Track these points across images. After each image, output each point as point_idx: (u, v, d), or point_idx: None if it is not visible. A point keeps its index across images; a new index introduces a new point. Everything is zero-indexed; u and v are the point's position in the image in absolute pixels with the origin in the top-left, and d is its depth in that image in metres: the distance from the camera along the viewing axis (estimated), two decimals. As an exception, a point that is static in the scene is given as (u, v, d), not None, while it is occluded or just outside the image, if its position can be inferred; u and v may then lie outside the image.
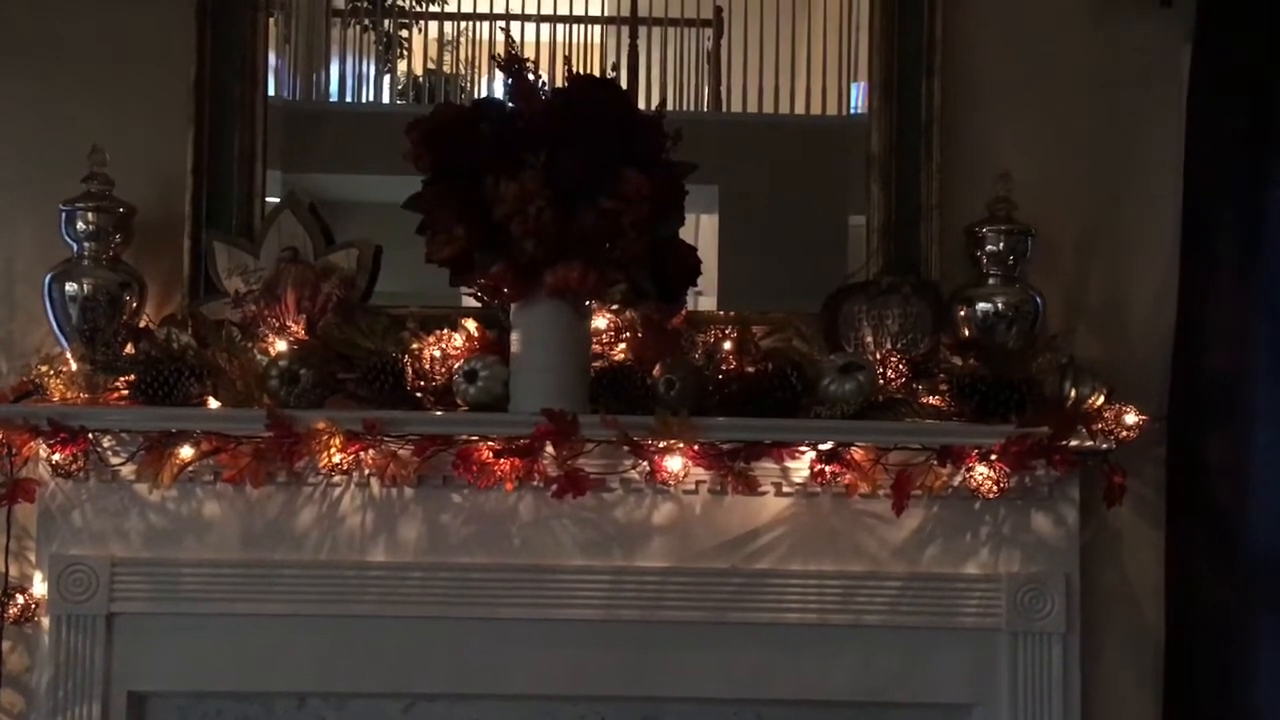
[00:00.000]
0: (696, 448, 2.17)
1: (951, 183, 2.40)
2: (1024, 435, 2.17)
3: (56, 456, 2.20)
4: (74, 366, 2.24)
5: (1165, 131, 2.43)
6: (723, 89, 2.64)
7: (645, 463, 2.18)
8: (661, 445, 2.15)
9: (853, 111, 2.55)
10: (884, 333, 2.30)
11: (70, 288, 2.28)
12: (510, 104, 2.14)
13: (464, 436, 2.17)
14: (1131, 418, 2.25)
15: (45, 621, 2.26)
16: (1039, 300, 2.34)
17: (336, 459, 2.15)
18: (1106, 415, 2.24)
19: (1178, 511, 2.35)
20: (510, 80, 2.13)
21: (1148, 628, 2.38)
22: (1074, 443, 2.20)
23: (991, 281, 2.33)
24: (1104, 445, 2.22)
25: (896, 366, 2.24)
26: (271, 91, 2.45)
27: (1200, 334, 2.35)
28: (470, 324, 2.26)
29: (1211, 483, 2.33)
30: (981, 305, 2.32)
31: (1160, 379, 2.37)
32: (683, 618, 2.27)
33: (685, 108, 2.60)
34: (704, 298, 2.43)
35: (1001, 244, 2.32)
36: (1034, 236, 2.34)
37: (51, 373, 2.23)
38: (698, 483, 2.27)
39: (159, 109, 2.40)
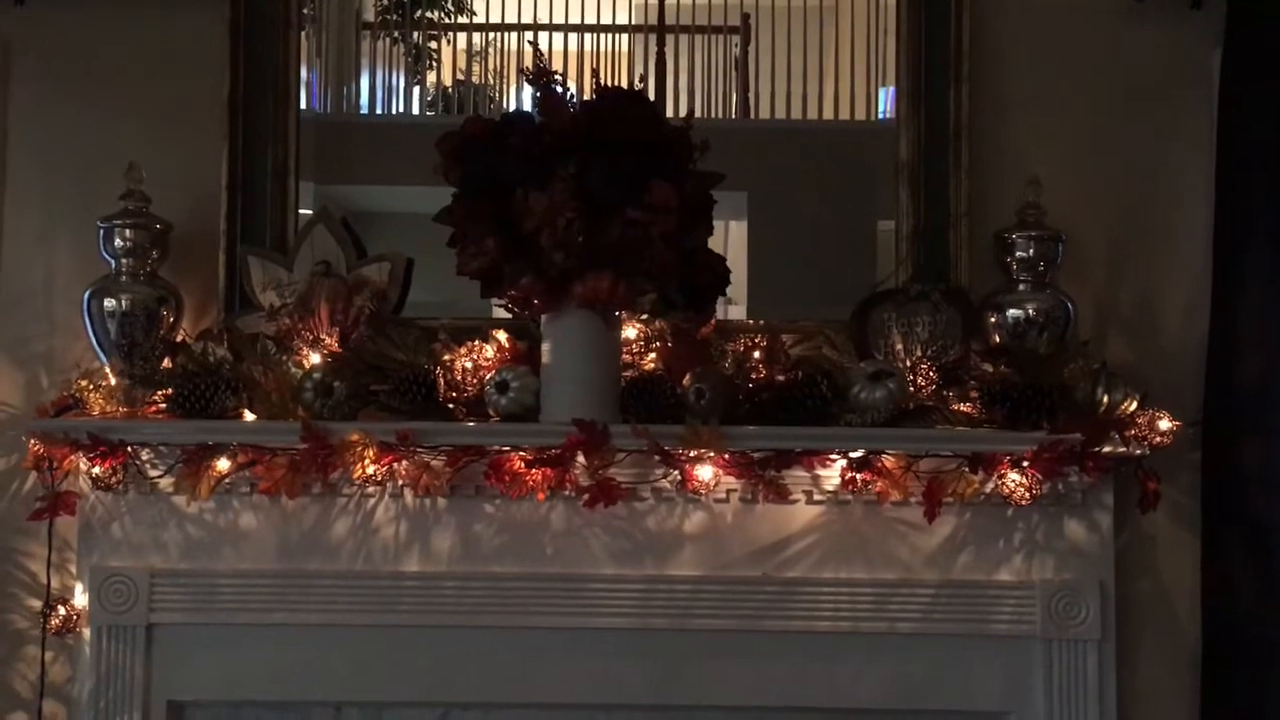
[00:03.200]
0: (727, 456, 2.17)
1: (981, 189, 2.40)
2: (1056, 442, 2.16)
3: (96, 469, 2.24)
4: (113, 381, 2.28)
5: (1196, 135, 2.41)
6: (751, 95, 2.64)
7: (676, 472, 2.19)
8: (692, 454, 2.16)
9: (881, 117, 2.55)
10: (914, 340, 2.29)
11: (109, 303, 2.32)
12: (539, 117, 2.15)
13: (496, 447, 2.19)
14: (1165, 423, 2.23)
15: (86, 632, 2.30)
16: (1070, 306, 2.32)
17: (370, 470, 2.17)
18: (1140, 421, 2.22)
19: (1213, 517, 2.33)
20: (538, 93, 2.15)
21: (1184, 635, 2.36)
22: (1107, 449, 2.19)
23: (1022, 288, 2.33)
24: (1138, 451, 2.20)
25: (927, 374, 2.24)
26: (303, 105, 2.48)
27: (1234, 338, 2.33)
28: (501, 335, 2.28)
29: (1247, 488, 2.31)
30: (1012, 311, 2.31)
31: (1194, 384, 2.36)
32: (715, 626, 2.28)
33: (713, 115, 2.61)
34: (734, 307, 2.44)
35: (1032, 250, 2.31)
36: (1064, 242, 2.33)
37: (91, 387, 2.27)
38: (729, 491, 2.27)
39: (193, 126, 2.43)
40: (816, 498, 2.28)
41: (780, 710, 2.32)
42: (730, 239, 2.50)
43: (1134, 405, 2.23)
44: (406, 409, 2.21)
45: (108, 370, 2.30)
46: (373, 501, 2.30)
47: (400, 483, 2.24)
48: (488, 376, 2.21)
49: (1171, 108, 2.44)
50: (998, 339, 2.31)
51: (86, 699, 2.29)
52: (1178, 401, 2.30)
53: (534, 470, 2.17)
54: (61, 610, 2.29)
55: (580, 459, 2.15)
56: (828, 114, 2.58)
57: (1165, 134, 2.44)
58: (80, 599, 2.31)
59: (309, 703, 2.33)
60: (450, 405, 2.23)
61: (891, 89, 2.49)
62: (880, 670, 2.28)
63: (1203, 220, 2.40)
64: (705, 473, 2.17)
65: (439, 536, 2.29)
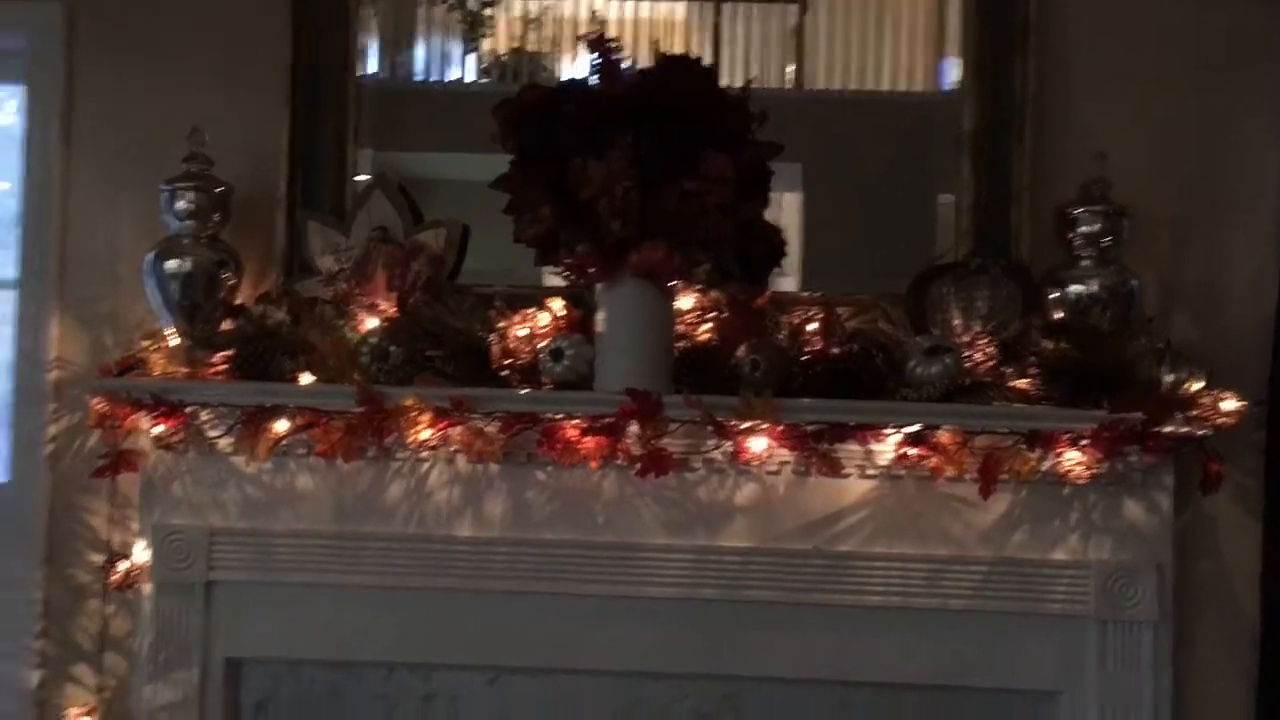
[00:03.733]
0: (780, 429, 2.16)
1: (1044, 162, 2.36)
2: (1117, 420, 2.12)
3: (158, 429, 2.28)
4: (174, 342, 2.31)
5: (1266, 110, 2.36)
6: (807, 65, 2.61)
7: (729, 443, 2.18)
8: (745, 426, 2.15)
9: (942, 88, 2.51)
10: (972, 315, 2.26)
11: (171, 265, 2.35)
12: (595, 84, 2.14)
13: (549, 415, 2.20)
14: (1230, 403, 2.19)
15: (147, 588, 2.34)
16: (1134, 283, 2.28)
17: (425, 435, 2.19)
18: (1204, 401, 2.18)
19: (1277, 499, 2.29)
20: (596, 61, 2.14)
21: (1243, 618, 2.33)
22: (1169, 429, 2.15)
23: (1085, 263, 2.28)
24: (1200, 431, 2.17)
25: (985, 349, 2.21)
26: (361, 72, 2.49)
27: (1303, 317, 2.28)
28: (556, 303, 2.28)
29: (1313, 470, 2.26)
30: (1074, 288, 2.27)
31: (1260, 363, 2.31)
32: (764, 598, 2.27)
33: (769, 85, 2.58)
34: (786, 279, 2.42)
35: (1096, 225, 2.27)
36: (1129, 218, 2.29)
37: (153, 348, 2.31)
38: (781, 464, 2.26)
39: (255, 91, 2.46)
40: (869, 472, 2.26)
41: (828, 683, 2.31)
42: (784, 211, 2.48)
43: (1198, 384, 2.19)
44: (461, 375, 2.22)
45: (169, 332, 2.34)
46: (426, 466, 2.32)
47: (454, 448, 2.25)
48: (542, 344, 2.22)
49: (1241, 81, 2.38)
50: (1059, 315, 2.28)
51: (146, 653, 2.34)
52: (1243, 381, 2.25)
53: (586, 439, 2.18)
54: (123, 566, 2.35)
55: (633, 428, 2.15)
56: (885, 85, 2.54)
57: (1235, 108, 2.39)
58: (141, 555, 2.35)
59: (362, 662, 2.37)
60: (504, 372, 2.24)
61: (953, 60, 2.45)
62: (930, 646, 2.26)
63: (1272, 196, 2.35)
64: (758, 444, 2.17)
65: (491, 502, 2.31)
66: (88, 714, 2.37)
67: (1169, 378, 2.19)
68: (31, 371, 2.48)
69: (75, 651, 2.46)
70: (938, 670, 2.27)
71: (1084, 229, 2.28)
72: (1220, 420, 2.18)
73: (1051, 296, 2.29)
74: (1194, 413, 2.17)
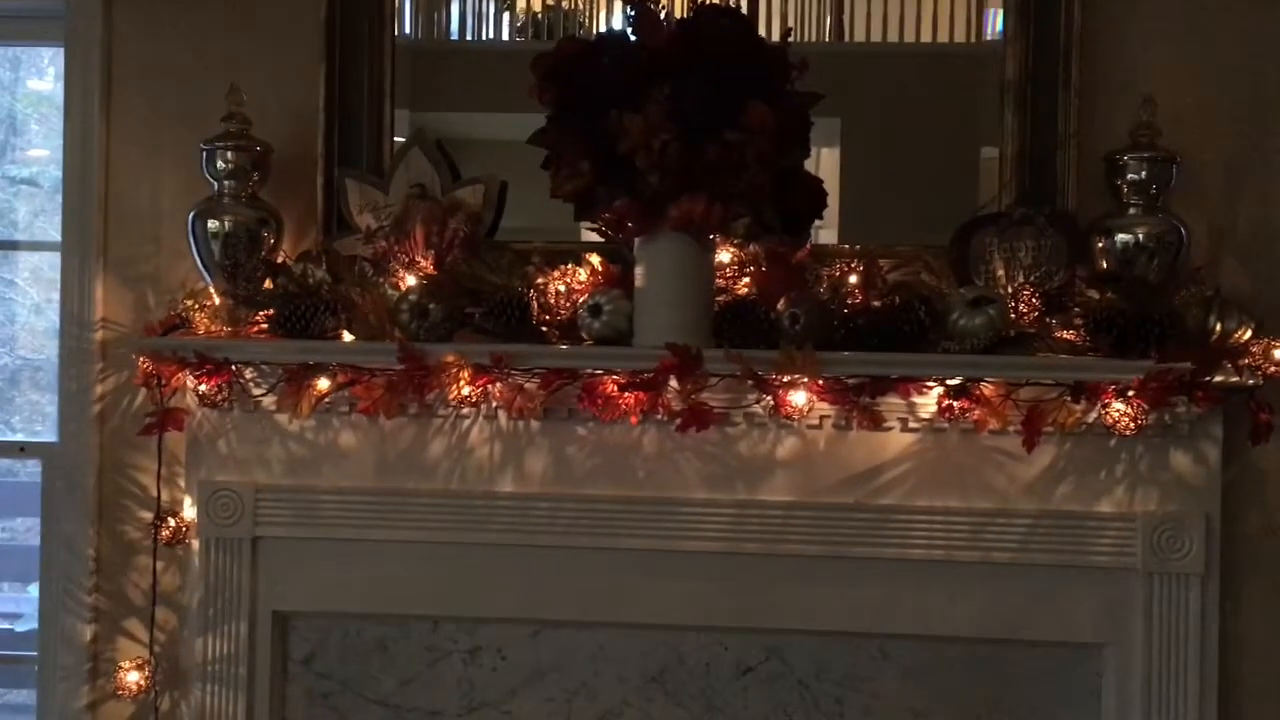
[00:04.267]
0: (821, 382, 2.15)
1: (1091, 109, 2.31)
2: (1164, 371, 2.09)
3: (203, 387, 2.30)
4: (217, 301, 2.33)
5: (1323, 51, 2.30)
6: (845, 17, 2.56)
7: (769, 397, 2.17)
8: (785, 380, 2.14)
9: (986, 38, 2.46)
10: (1016, 266, 2.23)
11: (212, 224, 2.36)
12: (633, 36, 2.12)
13: (589, 370, 2.20)
14: (1280, 352, 2.15)
15: (195, 544, 2.38)
16: (1183, 231, 2.24)
17: (465, 391, 2.19)
18: (1254, 350, 2.14)
19: (1328, 451, 2.25)
20: (633, 11, 2.11)
21: (1292, 571, 2.30)
22: (1218, 379, 2.11)
23: (1132, 211, 2.24)
24: (1250, 381, 2.13)
25: (1029, 300, 2.18)
26: (397, 31, 2.48)
27: (1358, 265, 2.23)
28: (594, 259, 2.28)
29: (1366, 421, 2.21)
30: (1121, 236, 2.23)
31: (1313, 312, 2.27)
32: (805, 552, 2.27)
33: (806, 38, 2.54)
34: (824, 232, 2.39)
35: (1144, 172, 2.23)
36: (1179, 164, 2.24)
37: (196, 306, 2.32)
38: (821, 418, 2.25)
39: (293, 49, 2.45)
40: (911, 425, 2.25)
41: (870, 637, 2.31)
42: (822, 166, 2.45)
43: (1248, 334, 2.15)
44: (500, 332, 2.22)
45: (212, 290, 2.36)
46: (467, 423, 2.33)
47: (494, 404, 2.26)
48: (581, 300, 2.22)
49: (1297, 23, 2.32)
50: (1105, 265, 2.24)
51: (196, 607, 2.38)
52: (1295, 330, 2.21)
53: (626, 394, 2.18)
54: (171, 522, 2.38)
55: (673, 383, 2.15)
56: (926, 36, 2.49)
57: (1290, 50, 2.32)
58: (189, 512, 2.39)
59: (407, 616, 2.40)
60: (543, 328, 2.24)
61: (997, 9, 2.40)
62: (974, 600, 2.26)
63: (1327, 141, 2.29)
64: (799, 398, 2.15)
65: (532, 458, 2.31)
66: (140, 666, 2.42)
67: (1218, 327, 2.15)
68: (78, 332, 2.51)
69: (127, 606, 2.51)
70: (981, 623, 2.26)
71: (1132, 176, 2.23)
72: (1270, 369, 2.14)
73: (1099, 245, 2.25)
74: (1243, 362, 2.13)
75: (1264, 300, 2.25)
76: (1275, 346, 2.15)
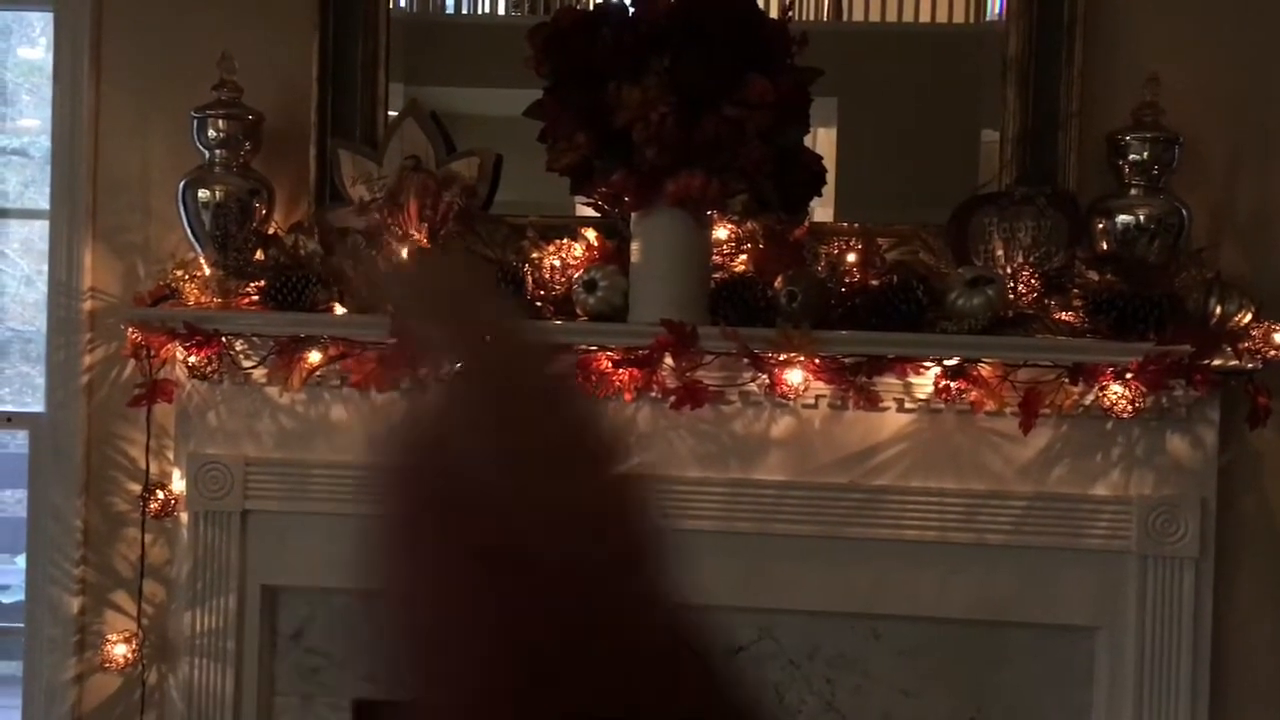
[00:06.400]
0: (817, 361, 2.13)
1: (1093, 88, 2.28)
2: (1163, 353, 2.08)
3: (192, 359, 2.28)
4: (207, 271, 2.30)
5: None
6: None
7: (765, 375, 2.15)
8: (782, 358, 2.12)
9: (987, 18, 2.43)
10: (1015, 246, 2.21)
11: (203, 194, 2.33)
12: (632, 7, 2.09)
13: (583, 346, 2.18)
14: (1280, 336, 2.14)
15: (184, 517, 2.36)
16: (1184, 212, 2.22)
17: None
18: (1254, 333, 2.13)
19: (1326, 436, 2.24)
20: (633, -18, 2.08)
21: (1288, 556, 2.29)
22: (1217, 362, 2.10)
23: (1134, 192, 2.22)
24: (1249, 365, 2.12)
25: (1028, 281, 2.16)
26: (392, 4, 2.45)
27: (1360, 249, 2.21)
28: (590, 233, 2.25)
29: (1364, 406, 2.20)
30: (1122, 217, 2.21)
31: (1313, 297, 2.25)
32: (799, 531, 2.26)
33: (806, 17, 2.51)
34: (820, 210, 2.37)
35: (1146, 152, 2.21)
36: (1181, 145, 2.22)
37: (186, 277, 2.30)
38: (817, 397, 2.24)
39: (285, 17, 2.42)
40: (908, 405, 2.23)
41: (863, 617, 2.31)
42: (819, 146, 2.42)
43: (1248, 317, 2.14)
44: (495, 306, 2.19)
45: (202, 261, 2.33)
46: (460, 398, 2.30)
47: (488, 379, 2.24)
48: (576, 275, 2.19)
49: (1304, 2, 2.29)
50: (1105, 246, 2.22)
51: (185, 580, 2.36)
52: (1295, 314, 2.20)
53: (621, 370, 2.16)
54: (160, 495, 2.36)
55: (668, 360, 2.13)
56: (925, 16, 2.47)
57: (1296, 30, 2.30)
58: (178, 484, 2.37)
59: (397, 592, 2.37)
60: (538, 303, 2.22)
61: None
62: (968, 581, 2.25)
63: (1332, 124, 2.26)
64: (795, 377, 2.14)
65: (525, 434, 2.29)
66: (127, 639, 2.40)
67: (1218, 310, 2.14)
68: (66, 302, 2.48)
69: (115, 578, 2.49)
70: (975, 605, 2.25)
71: (1134, 156, 2.21)
72: (1270, 353, 2.13)
73: (1099, 226, 2.23)
74: (1243, 345, 2.11)
75: (1264, 284, 2.23)
76: (1275, 330, 2.14)
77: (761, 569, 2.28)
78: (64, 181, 2.48)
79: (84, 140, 2.47)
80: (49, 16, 2.52)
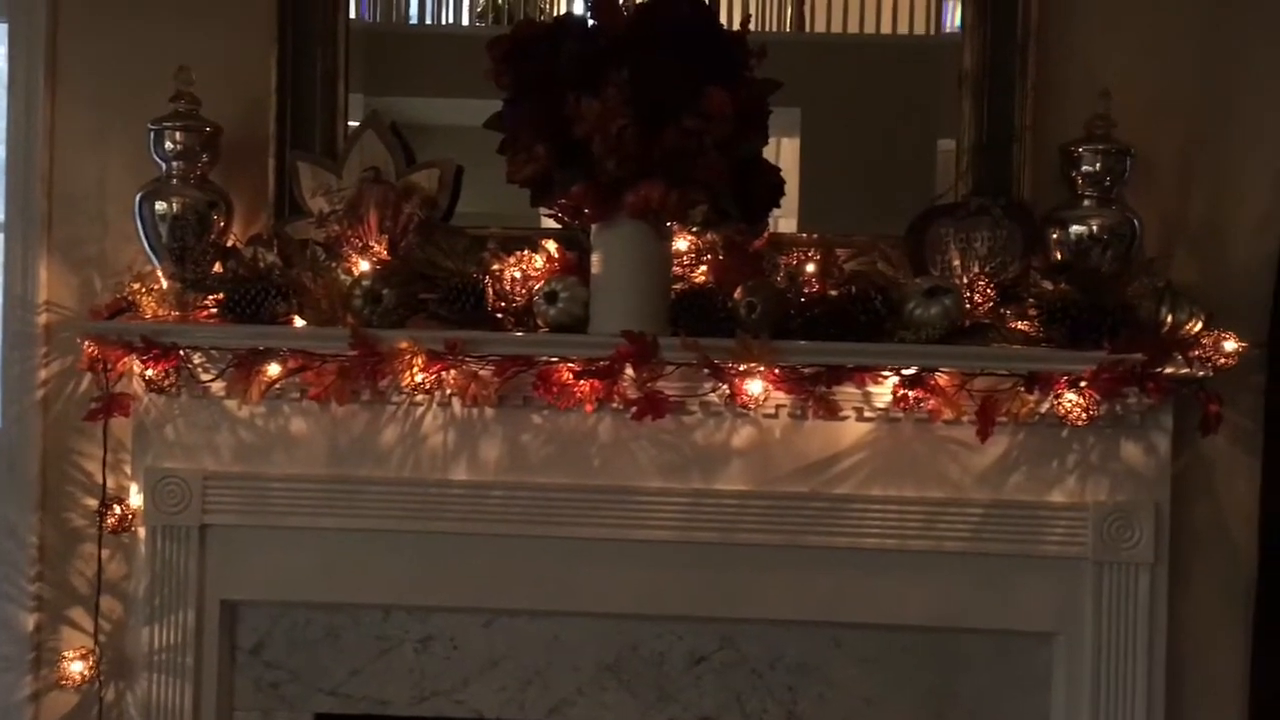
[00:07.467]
0: (777, 371, 2.15)
1: (1047, 101, 2.32)
2: (1116, 362, 2.11)
3: (150, 372, 2.26)
4: (165, 284, 2.29)
5: (1275, 49, 2.32)
6: (806, 7, 2.56)
7: (725, 386, 2.17)
8: (742, 368, 2.13)
9: (945, 30, 2.46)
10: (972, 256, 2.24)
11: (160, 206, 2.32)
12: (591, 19, 2.10)
13: (544, 357, 2.18)
14: (1230, 344, 2.18)
15: (141, 532, 2.34)
16: (1136, 223, 2.26)
17: (419, 378, 2.17)
18: (1204, 342, 2.17)
19: (1275, 441, 2.28)
20: (592, -5, 2.09)
21: (1240, 559, 2.33)
22: (1169, 370, 2.13)
23: (1087, 203, 2.26)
24: (1200, 373, 2.15)
25: (984, 291, 2.19)
26: (352, 15, 2.44)
27: (1306, 258, 2.26)
28: (551, 245, 2.26)
29: (1312, 413, 2.25)
30: (1075, 228, 2.25)
31: (1261, 305, 2.29)
32: (760, 541, 2.27)
33: (767, 28, 2.53)
34: (784, 221, 2.39)
35: (1098, 164, 2.24)
36: (1133, 157, 2.26)
37: (143, 290, 2.28)
38: (778, 407, 2.25)
39: (243, 29, 2.41)
40: (867, 415, 2.25)
41: (824, 625, 2.32)
42: (782, 156, 2.45)
43: (1199, 325, 2.17)
44: (455, 318, 2.20)
45: (159, 273, 2.31)
46: (421, 410, 2.30)
47: (448, 392, 2.24)
48: (537, 286, 2.20)
49: (1249, 20, 2.34)
50: (1059, 256, 2.25)
51: (142, 596, 2.34)
52: (1244, 322, 2.24)
53: (582, 381, 2.16)
54: (117, 509, 2.34)
55: (629, 371, 2.14)
56: (886, 28, 2.50)
57: (1243, 47, 2.35)
58: (135, 499, 2.34)
59: (358, 605, 2.37)
60: (499, 315, 2.22)
61: (956, 2, 2.40)
62: (926, 588, 2.26)
63: (1277, 136, 2.31)
64: (755, 387, 2.15)
65: (486, 446, 2.29)
66: (84, 656, 2.37)
67: (1169, 318, 2.17)
68: (22, 315, 2.45)
69: (71, 595, 2.46)
70: (934, 612, 2.27)
71: (1086, 168, 2.25)
72: (1221, 361, 2.17)
73: (1053, 237, 2.26)
74: (1194, 354, 2.15)
75: (1214, 292, 2.27)
76: (1225, 339, 2.18)
77: (723, 578, 2.29)
78: (19, 193, 2.46)
79: (39, 152, 2.44)
80: (3, 28, 2.50)
